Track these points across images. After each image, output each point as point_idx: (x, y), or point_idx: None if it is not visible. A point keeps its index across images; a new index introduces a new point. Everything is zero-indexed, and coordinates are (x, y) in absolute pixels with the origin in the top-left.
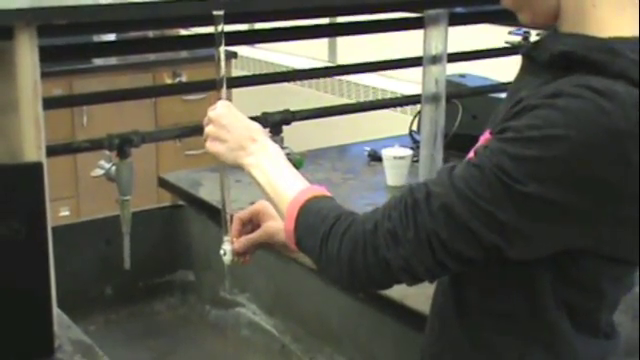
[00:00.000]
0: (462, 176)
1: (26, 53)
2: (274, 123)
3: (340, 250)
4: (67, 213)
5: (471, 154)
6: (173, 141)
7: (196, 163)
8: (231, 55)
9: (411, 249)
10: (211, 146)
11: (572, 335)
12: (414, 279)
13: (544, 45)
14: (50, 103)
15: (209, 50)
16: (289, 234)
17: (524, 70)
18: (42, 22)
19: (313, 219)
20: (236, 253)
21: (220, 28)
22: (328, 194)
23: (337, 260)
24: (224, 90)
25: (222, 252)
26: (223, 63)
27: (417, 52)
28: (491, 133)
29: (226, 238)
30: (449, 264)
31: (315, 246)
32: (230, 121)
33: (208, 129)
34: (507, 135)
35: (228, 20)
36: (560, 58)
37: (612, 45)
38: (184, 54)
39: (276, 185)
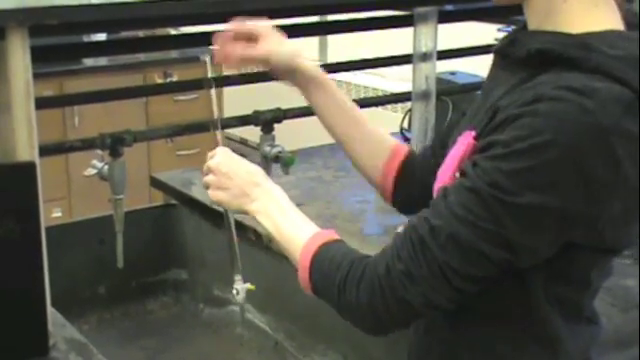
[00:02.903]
0: (459, 202)
1: (18, 53)
2: (265, 121)
3: (359, 298)
4: (59, 214)
5: (453, 164)
6: (165, 141)
7: (188, 163)
8: None
9: (428, 284)
10: (214, 195)
11: (562, 326)
12: (437, 310)
13: (519, 42)
14: (41, 103)
15: (199, 50)
16: (305, 283)
17: (497, 66)
18: (34, 22)
19: (327, 268)
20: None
21: (210, 73)
22: (337, 237)
23: (358, 308)
24: (220, 135)
25: (234, 292)
26: (215, 108)
27: (407, 50)
28: (475, 138)
29: (237, 277)
30: (467, 288)
31: (333, 295)
32: (230, 168)
33: (209, 178)
34: (496, 151)
35: (217, 20)
36: (536, 55)
37: (587, 41)
38: (174, 54)
39: (284, 232)
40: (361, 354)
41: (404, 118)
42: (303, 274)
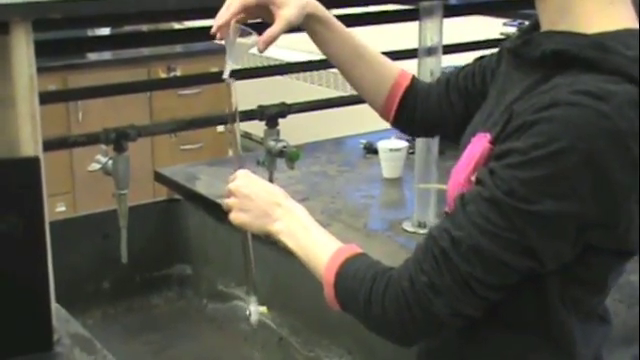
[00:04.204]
0: (478, 212)
1: (22, 48)
2: (270, 116)
3: (385, 312)
4: (63, 209)
5: (468, 166)
6: (168, 136)
7: (191, 158)
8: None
9: (452, 295)
10: (235, 217)
11: (576, 327)
12: (465, 319)
13: (534, 42)
14: (45, 98)
15: (203, 44)
16: (330, 300)
17: (509, 65)
18: (38, 16)
19: (351, 283)
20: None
21: (234, 100)
22: (359, 251)
23: (385, 321)
24: (239, 156)
25: (247, 313)
26: (238, 136)
27: (412, 44)
28: (491, 142)
29: (252, 299)
30: (492, 296)
31: (359, 309)
32: (251, 190)
33: (230, 201)
34: (513, 160)
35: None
36: (551, 56)
37: (603, 41)
38: (178, 49)
39: (308, 250)
40: (365, 349)
41: None
42: (328, 291)
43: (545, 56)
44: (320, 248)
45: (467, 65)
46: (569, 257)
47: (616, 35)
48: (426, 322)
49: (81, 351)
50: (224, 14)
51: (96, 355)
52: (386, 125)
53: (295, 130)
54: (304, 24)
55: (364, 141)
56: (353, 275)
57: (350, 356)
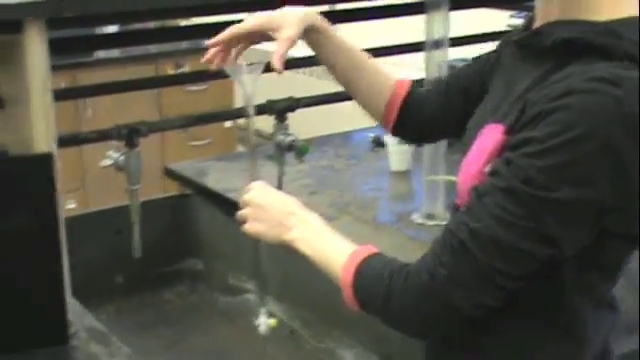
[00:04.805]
0: (495, 203)
1: (36, 46)
2: (279, 111)
3: (405, 307)
4: (74, 206)
5: (480, 158)
6: (177, 132)
7: (200, 153)
8: None
9: (474, 287)
10: (251, 227)
11: (590, 314)
12: (484, 310)
13: (544, 33)
14: (55, 95)
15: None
16: (350, 301)
17: (515, 57)
18: (51, 15)
19: (369, 282)
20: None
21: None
22: (375, 251)
23: (405, 317)
24: (255, 171)
25: (257, 323)
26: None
27: (418, 38)
28: (505, 133)
29: (263, 310)
30: (511, 285)
31: (378, 308)
32: (265, 200)
33: (245, 212)
34: (531, 149)
35: (228, 10)
36: (563, 45)
37: (614, 28)
38: (185, 45)
39: (323, 255)
40: (376, 340)
41: None
42: (347, 292)
43: (556, 45)
44: (336, 251)
45: (464, 66)
46: (587, 241)
47: (626, 22)
48: (446, 314)
49: (97, 344)
50: (213, 47)
51: (111, 347)
52: None
53: (303, 125)
54: (303, 35)
55: (372, 135)
56: (371, 274)
57: (361, 347)
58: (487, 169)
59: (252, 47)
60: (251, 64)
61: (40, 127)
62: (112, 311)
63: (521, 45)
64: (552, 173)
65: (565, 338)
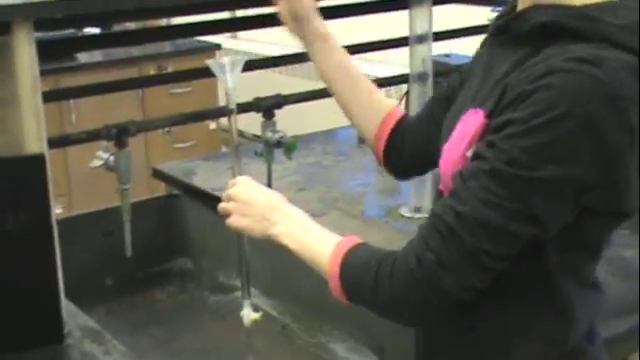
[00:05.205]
0: (480, 186)
1: (24, 47)
2: (266, 108)
3: (394, 294)
4: (60, 211)
5: (462, 143)
6: (162, 135)
7: (185, 155)
8: (215, 47)
9: (461, 269)
10: (235, 222)
11: (574, 294)
12: (472, 293)
13: (523, 17)
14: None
15: (192, 43)
16: (337, 292)
17: (493, 45)
18: (39, 16)
19: (356, 272)
20: None
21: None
22: (360, 241)
23: (395, 304)
24: (239, 166)
25: (242, 315)
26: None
27: (400, 34)
28: (486, 117)
29: (246, 303)
30: (498, 266)
31: (367, 297)
32: (250, 195)
33: (230, 206)
34: (513, 130)
35: (209, 9)
36: (540, 29)
37: (589, 12)
38: (168, 48)
39: (309, 248)
40: (366, 332)
41: (400, 102)
42: (334, 283)
43: (534, 29)
44: (321, 244)
45: (444, 83)
46: (569, 219)
47: (602, 6)
48: (437, 299)
49: (91, 342)
50: None
51: (106, 345)
52: None
53: (290, 123)
54: (308, 42)
55: None
56: (357, 264)
57: (352, 339)
58: (469, 153)
59: (235, 48)
60: (233, 61)
61: (31, 128)
62: (103, 312)
63: (500, 30)
64: (535, 152)
65: (553, 318)
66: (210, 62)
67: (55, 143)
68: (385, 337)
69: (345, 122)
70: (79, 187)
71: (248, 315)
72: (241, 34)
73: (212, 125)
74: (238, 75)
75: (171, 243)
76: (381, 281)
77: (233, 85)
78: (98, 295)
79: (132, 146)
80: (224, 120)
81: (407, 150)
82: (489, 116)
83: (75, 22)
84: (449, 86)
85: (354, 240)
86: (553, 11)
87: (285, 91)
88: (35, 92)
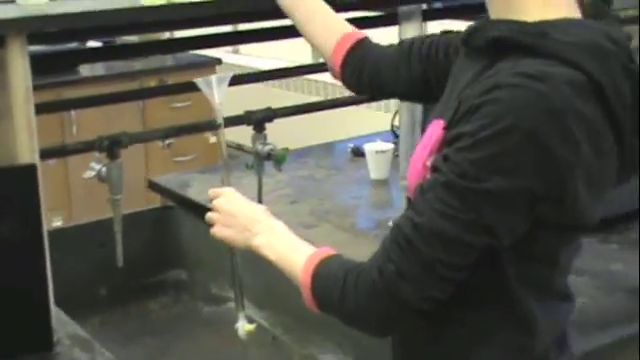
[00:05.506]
0: (436, 197)
1: (17, 60)
2: (257, 121)
3: (358, 305)
4: (60, 223)
5: (424, 153)
6: (162, 148)
7: (184, 169)
8: (215, 62)
9: (420, 280)
10: (219, 232)
11: (534, 305)
12: (433, 303)
13: (481, 31)
14: (38, 109)
15: (194, 57)
16: (309, 302)
17: (463, 55)
18: (32, 30)
19: (326, 283)
20: None
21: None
22: (333, 253)
23: (360, 315)
24: (228, 179)
25: (236, 327)
26: (224, 145)
27: None
28: (444, 129)
29: (240, 315)
30: (456, 276)
31: (335, 307)
32: (233, 206)
33: (214, 217)
34: (463, 143)
35: (211, 22)
36: (494, 43)
37: (542, 28)
38: (169, 62)
39: (285, 258)
40: (354, 342)
41: (394, 116)
42: (307, 293)
43: (488, 43)
44: (297, 255)
45: (434, 35)
46: (523, 231)
47: (555, 23)
48: (397, 309)
49: (80, 351)
50: None
51: (94, 354)
52: (372, 129)
53: (282, 136)
54: None
55: (352, 145)
56: (327, 275)
57: (340, 350)
58: (429, 163)
59: (236, 63)
60: (219, 78)
61: (23, 139)
62: (97, 322)
63: (464, 42)
64: (483, 165)
65: (515, 328)
66: (197, 80)
67: (49, 154)
68: (371, 347)
69: (339, 136)
70: (79, 199)
71: (242, 327)
72: (242, 50)
73: (212, 139)
74: (225, 91)
75: (165, 254)
76: (347, 292)
77: (220, 101)
78: (93, 305)
79: (132, 159)
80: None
81: (367, 73)
82: (446, 128)
83: (69, 36)
84: (432, 46)
85: (327, 252)
86: (507, 26)
87: (277, 103)
88: (28, 103)
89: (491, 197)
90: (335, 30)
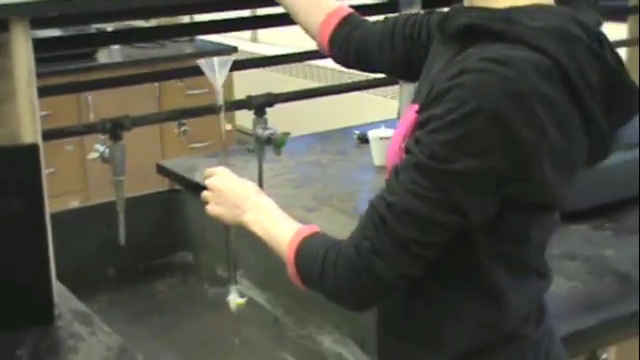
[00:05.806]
0: (408, 178)
1: (21, 44)
2: (258, 105)
3: (337, 281)
4: (76, 203)
5: (399, 137)
6: (177, 134)
7: (201, 154)
8: (232, 49)
9: (394, 257)
10: (211, 209)
11: (506, 281)
12: (410, 280)
13: (452, 18)
14: (51, 90)
15: (211, 45)
16: (294, 277)
17: (438, 41)
18: (36, 15)
19: (308, 259)
20: None
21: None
22: (317, 230)
23: (339, 290)
24: (225, 159)
25: (228, 300)
26: (224, 131)
27: None
28: (417, 112)
29: (232, 287)
30: (429, 254)
31: (317, 283)
32: (225, 185)
33: (207, 195)
34: (433, 126)
35: (228, 6)
36: (464, 29)
37: (510, 14)
38: (187, 50)
39: (273, 235)
40: (352, 323)
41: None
42: (291, 269)
43: (459, 29)
44: (283, 232)
45: (417, 14)
46: (493, 211)
47: (523, 9)
48: (374, 285)
49: (80, 324)
50: None
51: (93, 327)
52: (382, 116)
53: (287, 123)
54: None
55: (358, 132)
56: (309, 251)
57: (338, 331)
58: (404, 145)
59: (254, 50)
60: (221, 60)
61: (27, 121)
62: (105, 301)
63: (439, 29)
64: (451, 146)
65: (485, 304)
66: (200, 61)
67: (52, 135)
68: (365, 330)
69: (345, 123)
70: (95, 183)
71: (234, 300)
72: (261, 38)
73: (228, 126)
74: (226, 74)
75: (173, 237)
76: (326, 269)
77: (222, 83)
78: (102, 284)
79: (147, 145)
80: (239, 121)
81: (353, 51)
82: (419, 111)
83: (71, 21)
84: (415, 26)
85: (312, 229)
86: (477, 13)
87: (280, 89)
88: (30, 87)
89: (460, 178)
90: (320, 8)
